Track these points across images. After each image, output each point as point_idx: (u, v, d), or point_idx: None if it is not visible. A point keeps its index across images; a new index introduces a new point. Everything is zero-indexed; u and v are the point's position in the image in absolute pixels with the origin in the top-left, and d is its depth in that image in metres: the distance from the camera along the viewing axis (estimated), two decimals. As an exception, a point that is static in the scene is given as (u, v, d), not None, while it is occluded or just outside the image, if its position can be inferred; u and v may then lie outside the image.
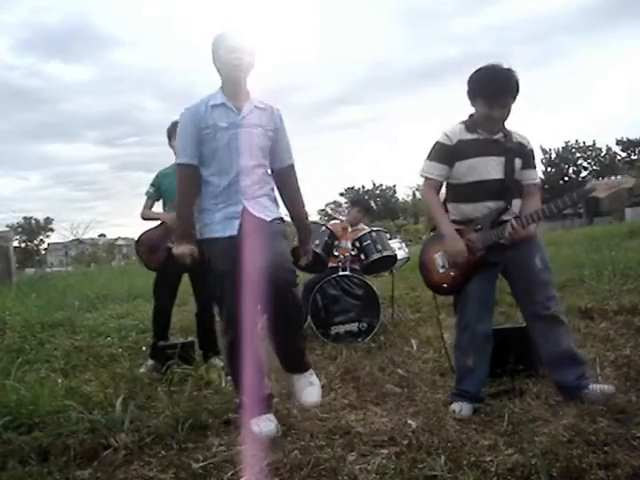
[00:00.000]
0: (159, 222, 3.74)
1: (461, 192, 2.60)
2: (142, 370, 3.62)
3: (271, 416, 2.45)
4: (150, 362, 3.69)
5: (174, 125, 3.47)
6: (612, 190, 2.56)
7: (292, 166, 2.68)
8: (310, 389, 2.52)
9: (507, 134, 2.58)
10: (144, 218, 3.81)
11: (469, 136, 2.56)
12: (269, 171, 2.64)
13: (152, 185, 3.75)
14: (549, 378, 2.71)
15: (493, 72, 2.50)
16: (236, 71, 2.51)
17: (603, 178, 2.90)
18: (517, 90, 2.52)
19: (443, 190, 2.71)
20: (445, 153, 2.58)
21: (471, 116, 2.60)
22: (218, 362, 3.63)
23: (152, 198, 3.76)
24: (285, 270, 2.37)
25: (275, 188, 2.66)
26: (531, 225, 2.49)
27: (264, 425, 2.37)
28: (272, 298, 2.29)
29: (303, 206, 2.77)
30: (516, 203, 2.58)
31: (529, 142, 2.64)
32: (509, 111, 2.54)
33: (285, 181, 2.67)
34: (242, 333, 2.33)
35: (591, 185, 2.55)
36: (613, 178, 2.66)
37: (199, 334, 3.84)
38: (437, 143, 2.61)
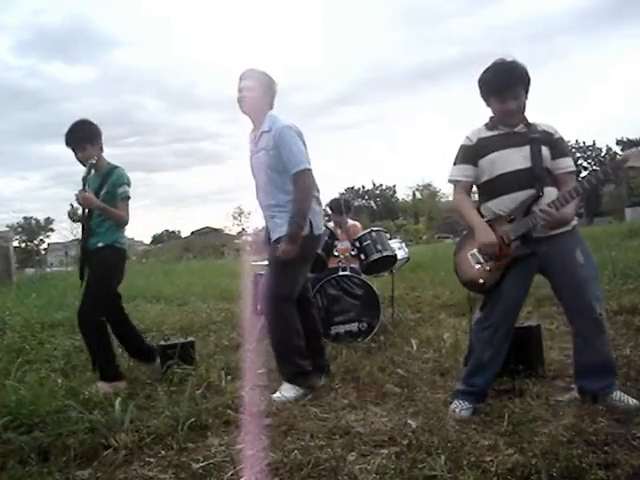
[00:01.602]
0: None
1: (488, 189, 2.58)
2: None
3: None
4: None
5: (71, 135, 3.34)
6: None
7: (294, 174, 2.96)
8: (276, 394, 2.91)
9: (529, 125, 2.55)
10: None
11: (489, 133, 2.57)
12: (289, 182, 2.99)
13: None
14: (549, 378, 2.70)
15: (498, 67, 2.50)
16: (241, 107, 3.06)
17: (637, 146, 2.60)
18: (527, 79, 2.50)
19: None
20: (468, 154, 2.59)
21: (491, 118, 2.60)
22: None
23: None
24: (266, 302, 3.09)
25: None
26: (568, 209, 2.41)
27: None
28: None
29: (298, 212, 2.96)
30: (550, 191, 2.48)
31: (556, 131, 2.58)
32: (524, 102, 2.52)
33: (293, 186, 2.99)
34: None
35: (625, 155, 2.41)
36: None
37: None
38: (460, 147, 2.63)
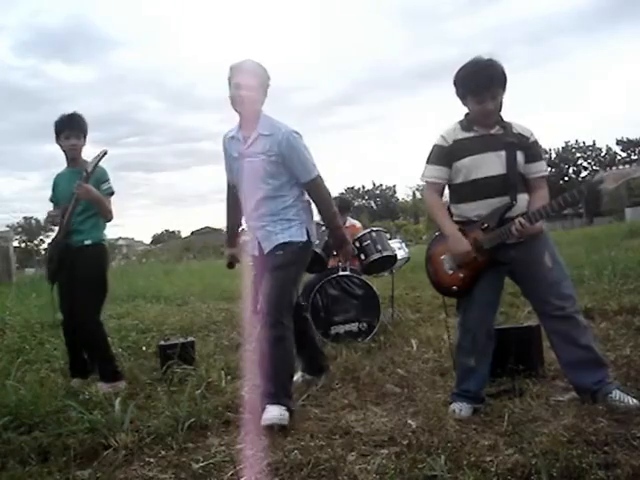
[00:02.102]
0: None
1: (462, 192, 2.55)
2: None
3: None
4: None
5: (57, 122, 3.30)
6: (622, 180, 2.34)
7: (311, 181, 2.83)
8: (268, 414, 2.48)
9: (505, 126, 2.51)
10: None
11: (465, 134, 2.52)
12: (287, 189, 2.80)
13: (52, 189, 3.45)
14: (549, 378, 2.70)
15: (476, 66, 2.44)
16: (238, 106, 2.77)
17: (611, 168, 2.63)
18: (504, 78, 2.46)
19: (446, 193, 2.66)
20: (442, 155, 2.55)
21: (467, 115, 2.56)
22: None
23: (53, 202, 3.44)
24: (265, 315, 2.67)
25: (300, 201, 2.87)
26: (539, 221, 2.41)
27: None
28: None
29: (331, 216, 2.95)
30: (522, 198, 2.49)
31: (532, 133, 2.55)
32: (501, 102, 2.48)
33: (310, 195, 2.90)
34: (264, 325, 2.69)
35: (600, 176, 2.39)
36: (622, 167, 2.47)
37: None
38: (434, 146, 2.58)
